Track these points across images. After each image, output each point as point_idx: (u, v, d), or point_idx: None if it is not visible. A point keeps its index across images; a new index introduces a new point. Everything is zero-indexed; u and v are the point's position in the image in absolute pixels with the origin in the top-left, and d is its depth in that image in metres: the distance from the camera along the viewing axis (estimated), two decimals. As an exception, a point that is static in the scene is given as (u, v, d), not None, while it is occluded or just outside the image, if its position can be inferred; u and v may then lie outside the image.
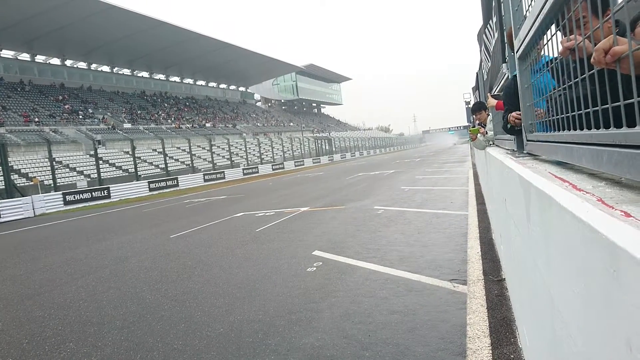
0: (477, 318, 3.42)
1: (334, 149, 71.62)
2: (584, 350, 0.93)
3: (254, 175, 42.73)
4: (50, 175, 27.21)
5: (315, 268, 5.52)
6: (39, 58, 52.01)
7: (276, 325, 3.81)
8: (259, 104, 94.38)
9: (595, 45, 0.95)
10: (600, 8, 0.99)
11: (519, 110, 2.98)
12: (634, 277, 0.60)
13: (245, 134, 63.10)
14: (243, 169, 42.84)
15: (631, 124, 0.83)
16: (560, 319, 1.18)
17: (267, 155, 54.47)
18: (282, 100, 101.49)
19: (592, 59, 0.98)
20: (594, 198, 0.91)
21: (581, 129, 1.19)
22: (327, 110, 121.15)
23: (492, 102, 4.42)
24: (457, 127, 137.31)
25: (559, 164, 1.75)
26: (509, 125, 3.12)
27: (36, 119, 41.61)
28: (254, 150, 53.86)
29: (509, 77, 3.39)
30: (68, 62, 55.03)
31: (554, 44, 1.46)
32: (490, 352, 2.87)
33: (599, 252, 0.74)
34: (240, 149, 52.20)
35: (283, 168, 48.57)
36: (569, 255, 1.00)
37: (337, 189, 16.27)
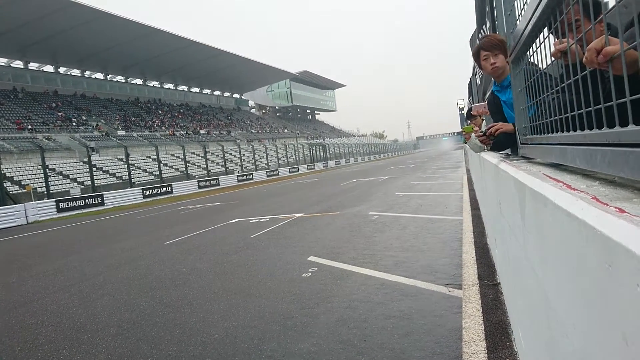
0: (473, 322, 3.42)
1: (328, 156, 71.69)
2: (580, 349, 0.93)
3: (248, 181, 42.70)
4: (44, 183, 27.04)
5: (310, 274, 5.51)
6: (32, 65, 51.97)
7: (272, 330, 3.80)
8: (253, 110, 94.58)
9: (587, 47, 0.96)
10: (592, 11, 1.00)
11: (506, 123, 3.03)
12: (628, 270, 0.61)
13: (239, 141, 63.10)
14: (237, 176, 42.78)
15: (624, 123, 0.84)
16: (556, 319, 1.18)
17: (261, 161, 54.46)
18: (277, 107, 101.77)
19: (584, 59, 0.99)
20: (589, 196, 0.92)
21: (574, 130, 1.20)
22: (321, 116, 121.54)
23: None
24: (451, 134, 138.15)
25: (553, 165, 1.76)
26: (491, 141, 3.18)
27: (29, 126, 41.49)
28: (248, 156, 53.88)
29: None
30: (61, 69, 55.05)
31: (546, 47, 1.48)
32: (486, 356, 2.87)
33: (595, 248, 0.75)
34: (235, 155, 52.20)
35: (278, 174, 48.54)
36: (564, 254, 1.00)
37: (332, 195, 16.28)
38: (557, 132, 1.45)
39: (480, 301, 3.84)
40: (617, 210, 0.76)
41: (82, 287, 6.23)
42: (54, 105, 49.28)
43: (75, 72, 56.76)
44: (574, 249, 0.90)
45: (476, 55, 3.22)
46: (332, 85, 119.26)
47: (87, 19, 42.40)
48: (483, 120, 5.95)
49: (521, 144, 2.41)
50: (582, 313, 0.89)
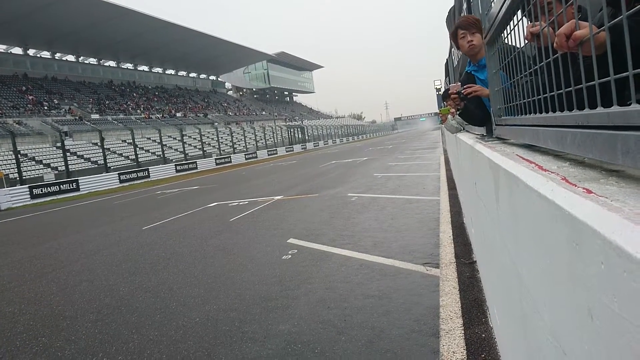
0: (450, 300, 3.50)
1: (306, 138, 71.52)
2: (550, 324, 0.97)
3: (226, 165, 42.41)
4: (16, 169, 26.40)
5: (290, 256, 5.54)
6: (0, 47, 50.11)
7: (252, 313, 3.82)
8: (230, 92, 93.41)
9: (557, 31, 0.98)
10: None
11: (477, 105, 3.08)
12: (593, 249, 0.63)
13: (217, 124, 62.39)
14: (215, 159, 42.43)
15: (592, 105, 0.86)
16: (528, 296, 1.22)
17: (239, 144, 54.01)
18: (254, 89, 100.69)
19: (554, 44, 1.01)
20: (559, 177, 0.95)
21: (547, 112, 1.22)
22: (299, 98, 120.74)
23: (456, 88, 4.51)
24: (429, 114, 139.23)
25: (527, 146, 1.79)
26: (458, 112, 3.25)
27: (-2, 111, 40.23)
28: (226, 139, 53.37)
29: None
30: (31, 52, 53.19)
31: (520, 30, 1.50)
32: (463, 332, 2.94)
33: (563, 228, 0.77)
34: (212, 138, 51.67)
35: (256, 157, 48.31)
36: (535, 233, 1.04)
37: (311, 177, 16.28)
38: (530, 113, 1.48)
39: (457, 279, 3.92)
40: (584, 191, 0.78)
41: (60, 274, 6.15)
42: (24, 88, 47.81)
43: (46, 54, 54.96)
44: (544, 228, 0.93)
45: (454, 35, 3.26)
46: (309, 67, 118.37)
47: (56, -2, 41.02)
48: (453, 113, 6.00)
49: (496, 124, 2.45)
50: (552, 290, 0.92)
